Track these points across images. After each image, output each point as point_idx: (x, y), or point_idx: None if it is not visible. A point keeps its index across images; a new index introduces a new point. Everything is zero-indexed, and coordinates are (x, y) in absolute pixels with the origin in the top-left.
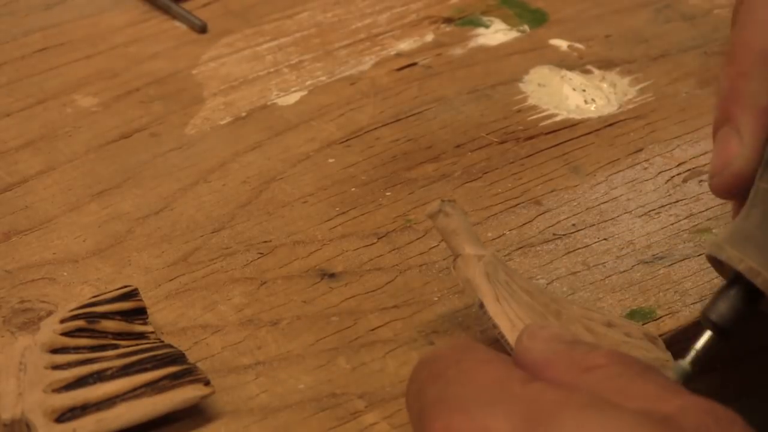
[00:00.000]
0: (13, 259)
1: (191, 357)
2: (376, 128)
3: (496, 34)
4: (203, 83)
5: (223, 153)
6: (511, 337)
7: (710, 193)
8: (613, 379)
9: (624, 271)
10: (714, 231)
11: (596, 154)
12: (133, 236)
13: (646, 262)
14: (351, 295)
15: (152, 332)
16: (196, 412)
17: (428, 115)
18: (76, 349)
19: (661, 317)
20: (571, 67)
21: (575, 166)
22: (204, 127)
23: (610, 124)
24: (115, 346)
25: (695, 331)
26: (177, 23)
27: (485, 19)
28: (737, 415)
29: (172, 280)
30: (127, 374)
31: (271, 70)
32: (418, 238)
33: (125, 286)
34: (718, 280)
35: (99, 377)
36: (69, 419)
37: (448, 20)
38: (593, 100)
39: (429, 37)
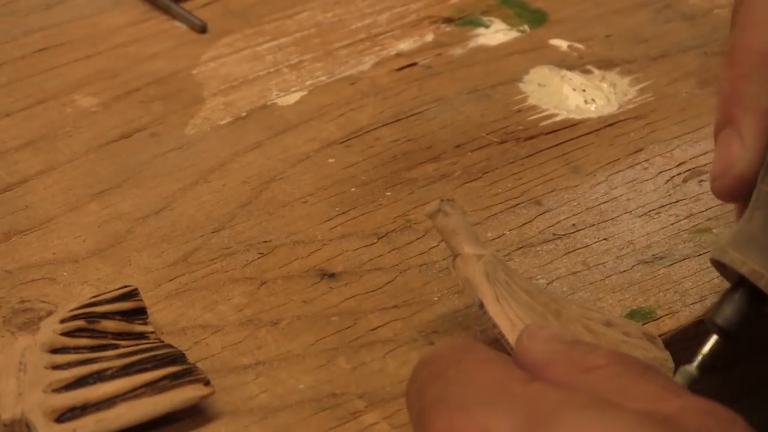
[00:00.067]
0: (13, 259)
1: (191, 357)
2: (376, 128)
3: (496, 34)
4: (203, 83)
5: (223, 153)
6: (511, 337)
7: (710, 193)
8: (613, 379)
9: (624, 271)
10: (714, 231)
11: (596, 154)
12: (133, 236)
13: (646, 262)
14: (351, 295)
15: (152, 332)
16: (196, 412)
17: (428, 115)
18: (76, 349)
19: (661, 317)
20: (571, 67)
21: (575, 166)
22: (204, 127)
23: (610, 124)
24: (115, 346)
25: (696, 332)
26: (177, 23)
27: (485, 19)
28: (738, 416)
29: (172, 280)
30: (127, 374)
31: (271, 70)
32: (418, 238)
33: (125, 286)
34: (718, 280)
35: (99, 377)
36: (69, 419)
37: (448, 20)
38: (593, 100)
39: (429, 37)
